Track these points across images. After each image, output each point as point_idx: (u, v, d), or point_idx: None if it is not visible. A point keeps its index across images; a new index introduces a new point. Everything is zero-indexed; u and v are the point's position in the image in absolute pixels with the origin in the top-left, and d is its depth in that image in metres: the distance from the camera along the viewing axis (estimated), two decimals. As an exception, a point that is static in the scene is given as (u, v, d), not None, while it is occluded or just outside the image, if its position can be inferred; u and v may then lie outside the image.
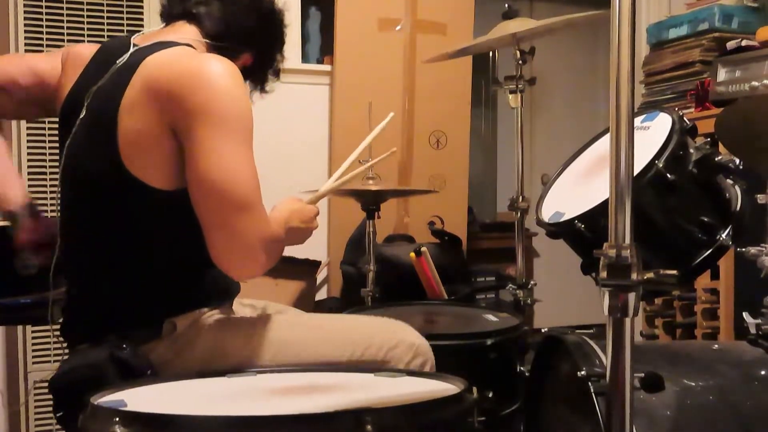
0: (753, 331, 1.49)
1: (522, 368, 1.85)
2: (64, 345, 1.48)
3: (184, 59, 1.40)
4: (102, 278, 1.44)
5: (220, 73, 1.36)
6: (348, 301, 2.68)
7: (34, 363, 2.59)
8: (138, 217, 1.40)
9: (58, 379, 1.37)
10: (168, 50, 1.41)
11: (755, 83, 2.68)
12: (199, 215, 1.32)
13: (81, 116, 1.44)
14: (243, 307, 1.67)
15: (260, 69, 1.61)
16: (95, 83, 1.42)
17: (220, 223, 1.31)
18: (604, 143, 1.52)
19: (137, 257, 1.41)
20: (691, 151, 1.36)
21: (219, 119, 1.32)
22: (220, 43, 1.51)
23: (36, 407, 2.61)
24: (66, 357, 1.43)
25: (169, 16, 1.55)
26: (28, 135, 2.60)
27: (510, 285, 2.45)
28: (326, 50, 3.54)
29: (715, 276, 2.76)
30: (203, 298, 1.47)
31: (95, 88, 1.42)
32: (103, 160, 1.39)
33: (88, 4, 2.66)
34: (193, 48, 1.45)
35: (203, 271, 1.45)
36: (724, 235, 1.35)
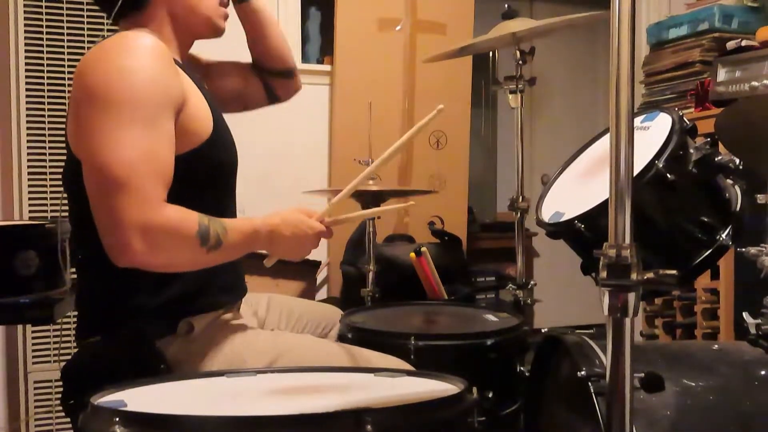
0: (753, 331, 1.49)
1: (522, 368, 1.85)
2: (73, 336, 1.48)
3: (97, 45, 1.39)
4: (110, 271, 1.42)
5: (116, 51, 1.33)
6: (348, 301, 2.67)
7: (34, 363, 2.59)
8: None
9: (71, 368, 1.37)
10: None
11: (755, 83, 2.68)
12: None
13: None
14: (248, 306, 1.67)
15: None
16: None
17: (97, 204, 1.29)
18: (604, 143, 1.51)
19: None
20: (691, 151, 1.36)
21: (97, 98, 1.29)
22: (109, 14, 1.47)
23: (36, 407, 2.61)
24: (78, 348, 1.44)
25: None
26: (28, 135, 2.60)
27: (510, 285, 2.45)
28: (326, 50, 3.54)
29: (715, 276, 2.76)
30: (216, 297, 1.47)
31: None
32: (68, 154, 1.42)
33: (88, 4, 2.66)
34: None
35: (215, 267, 1.45)
36: (724, 235, 1.35)
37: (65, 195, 1.47)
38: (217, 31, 1.55)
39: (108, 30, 2.66)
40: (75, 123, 1.36)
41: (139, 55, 1.33)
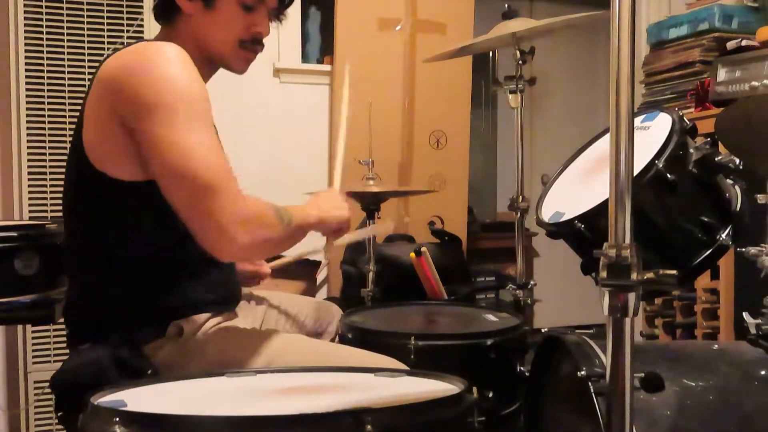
0: (753, 331, 1.49)
1: (522, 368, 1.85)
2: (65, 345, 1.48)
3: (127, 52, 1.38)
4: (99, 277, 1.43)
5: (158, 59, 1.34)
6: (348, 301, 2.67)
7: (34, 363, 2.59)
8: (115, 211, 1.39)
9: (59, 378, 1.37)
10: (124, 48, 1.41)
11: (755, 83, 2.68)
12: (171, 204, 1.31)
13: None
14: (247, 307, 1.67)
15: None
16: None
17: (190, 209, 1.30)
18: (604, 143, 1.51)
19: (129, 253, 1.40)
20: (691, 151, 1.36)
21: (164, 107, 1.30)
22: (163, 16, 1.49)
23: (36, 407, 2.61)
24: (67, 357, 1.43)
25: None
26: (28, 135, 2.60)
27: (510, 285, 2.45)
28: (326, 50, 3.54)
29: (715, 276, 2.76)
30: (206, 301, 1.47)
31: None
32: (75, 158, 1.41)
33: (88, 4, 2.66)
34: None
35: (204, 271, 1.45)
36: (724, 235, 1.34)
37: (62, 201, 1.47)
38: (231, 70, 1.54)
39: (108, 32, 2.67)
40: (111, 137, 1.35)
41: (179, 61, 1.34)
